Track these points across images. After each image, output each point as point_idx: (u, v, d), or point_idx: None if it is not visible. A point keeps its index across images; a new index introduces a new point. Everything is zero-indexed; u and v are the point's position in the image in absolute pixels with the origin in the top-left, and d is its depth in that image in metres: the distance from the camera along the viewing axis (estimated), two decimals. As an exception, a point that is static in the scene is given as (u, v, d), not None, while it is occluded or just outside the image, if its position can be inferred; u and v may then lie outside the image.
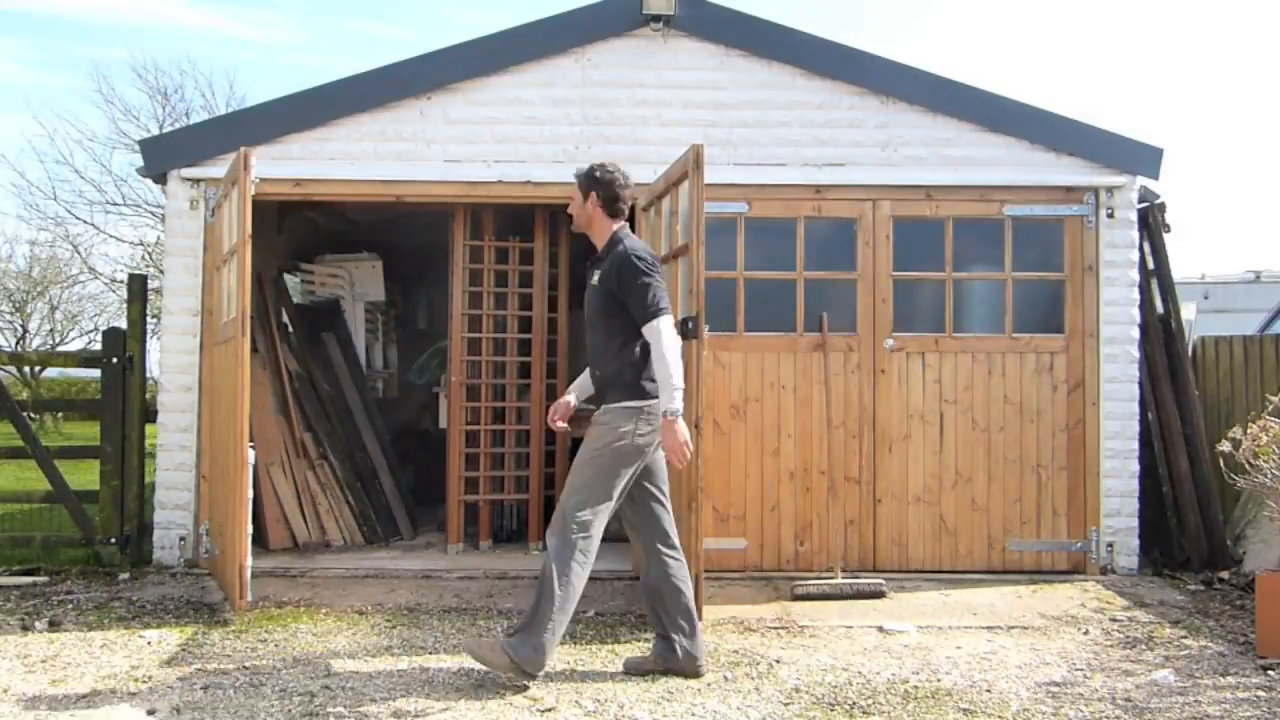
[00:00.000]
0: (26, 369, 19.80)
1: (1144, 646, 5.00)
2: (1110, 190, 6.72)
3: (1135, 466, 6.67)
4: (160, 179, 6.77)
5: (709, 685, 4.33)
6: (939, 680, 4.43)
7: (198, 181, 6.64)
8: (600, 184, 4.39)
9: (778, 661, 4.69)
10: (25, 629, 5.16)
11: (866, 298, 6.74)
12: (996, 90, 6.81)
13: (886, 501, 6.69)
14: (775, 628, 5.31)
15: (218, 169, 6.62)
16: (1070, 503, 6.70)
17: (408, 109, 6.70)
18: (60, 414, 19.98)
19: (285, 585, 6.12)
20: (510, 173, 6.67)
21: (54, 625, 5.22)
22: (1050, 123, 6.73)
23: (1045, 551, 6.70)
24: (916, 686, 4.34)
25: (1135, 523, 6.64)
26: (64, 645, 4.90)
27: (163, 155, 6.71)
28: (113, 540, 6.58)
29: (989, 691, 4.29)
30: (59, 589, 6.04)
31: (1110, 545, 6.64)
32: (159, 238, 17.16)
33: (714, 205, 6.70)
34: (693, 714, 3.99)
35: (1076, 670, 4.61)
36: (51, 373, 22.14)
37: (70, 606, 5.63)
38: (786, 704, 4.11)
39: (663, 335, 4.13)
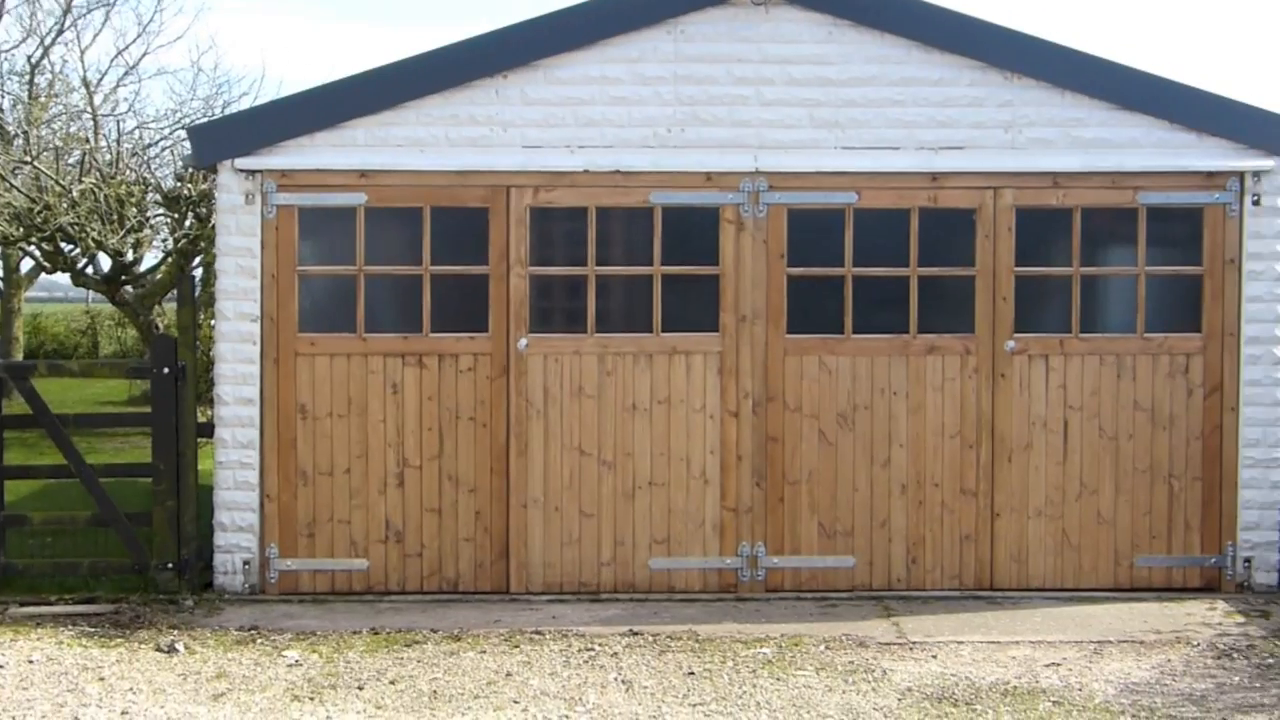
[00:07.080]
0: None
1: (1240, 656, 5.06)
2: (1256, 175, 6.15)
3: (1276, 476, 6.21)
4: (210, 170, 6.13)
5: (829, 689, 4.66)
6: (1038, 682, 4.81)
7: (254, 173, 5.99)
8: None
9: (891, 670, 4.93)
10: (160, 649, 5.13)
11: (985, 295, 6.21)
12: (1131, 64, 6.20)
13: (1005, 515, 6.23)
14: (887, 644, 5.34)
15: (276, 159, 5.99)
16: (1204, 515, 6.26)
17: (482, 89, 6.06)
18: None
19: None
20: (598, 160, 6.05)
21: (189, 649, 5.15)
22: (1191, 99, 6.13)
23: (1176, 568, 6.25)
24: (1016, 687, 4.74)
25: (1275, 536, 6.22)
26: (221, 664, 4.97)
27: (214, 144, 6.05)
28: (170, 565, 6.06)
29: (1080, 690, 4.69)
30: (131, 617, 5.66)
31: (1248, 560, 6.20)
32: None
33: (818, 196, 6.18)
34: (809, 704, 4.40)
35: (1166, 676, 4.85)
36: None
37: (168, 631, 5.43)
38: (900, 699, 4.57)
39: None
